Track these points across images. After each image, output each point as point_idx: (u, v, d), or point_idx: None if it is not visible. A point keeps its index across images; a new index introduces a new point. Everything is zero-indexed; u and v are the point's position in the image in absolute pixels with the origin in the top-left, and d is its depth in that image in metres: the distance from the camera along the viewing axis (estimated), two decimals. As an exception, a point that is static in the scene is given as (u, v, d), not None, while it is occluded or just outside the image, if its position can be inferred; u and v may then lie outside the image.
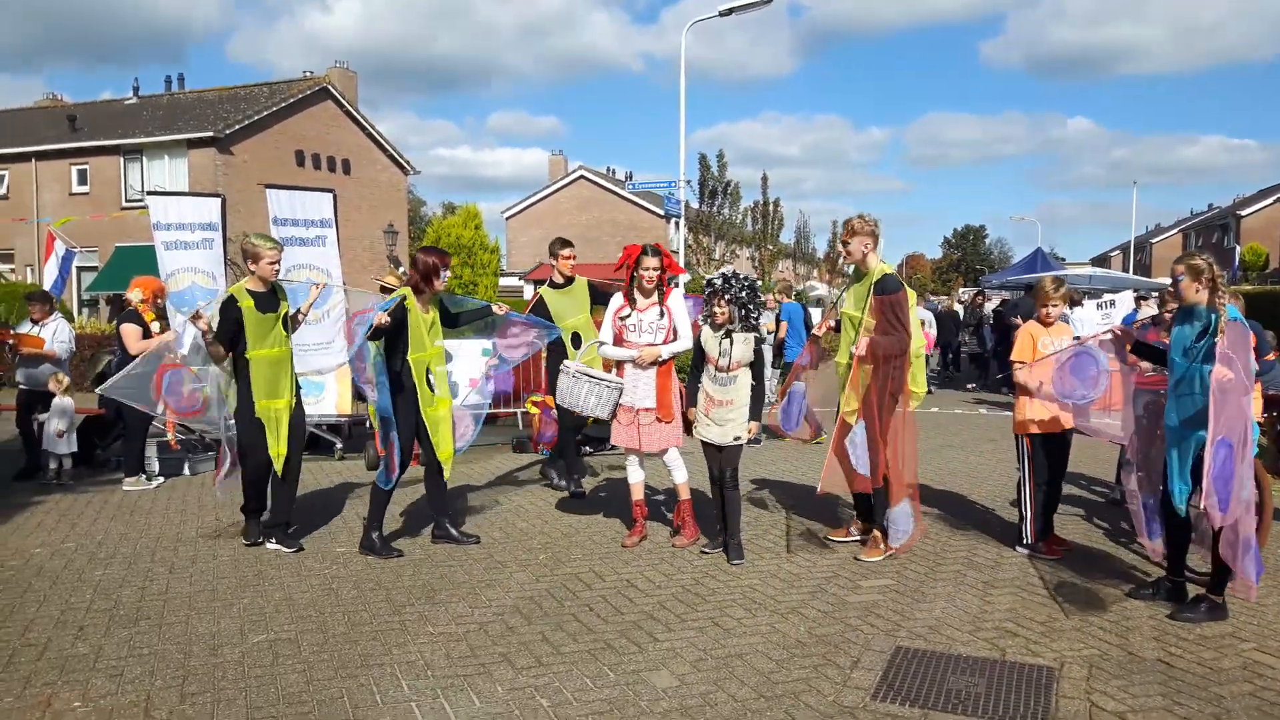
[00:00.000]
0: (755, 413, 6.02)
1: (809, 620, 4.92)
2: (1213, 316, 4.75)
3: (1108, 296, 17.40)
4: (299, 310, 6.61)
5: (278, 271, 6.35)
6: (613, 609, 5.09)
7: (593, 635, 4.70)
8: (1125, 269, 53.80)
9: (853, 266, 6.27)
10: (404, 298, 6.06)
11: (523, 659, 4.38)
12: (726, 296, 5.96)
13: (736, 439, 5.97)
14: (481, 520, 7.11)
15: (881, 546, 6.08)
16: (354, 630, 4.74)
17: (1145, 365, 5.64)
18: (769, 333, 11.47)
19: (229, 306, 6.11)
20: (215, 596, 5.28)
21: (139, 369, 6.42)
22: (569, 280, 7.88)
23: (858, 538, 6.48)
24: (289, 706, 3.86)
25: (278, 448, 6.19)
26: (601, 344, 6.43)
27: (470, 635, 4.68)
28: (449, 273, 6.27)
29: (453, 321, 6.53)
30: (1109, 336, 5.67)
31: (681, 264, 6.66)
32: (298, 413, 6.39)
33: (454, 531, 6.43)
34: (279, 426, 6.20)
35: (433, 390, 6.16)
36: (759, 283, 6.28)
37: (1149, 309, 12.20)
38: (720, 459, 6.06)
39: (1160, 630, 4.77)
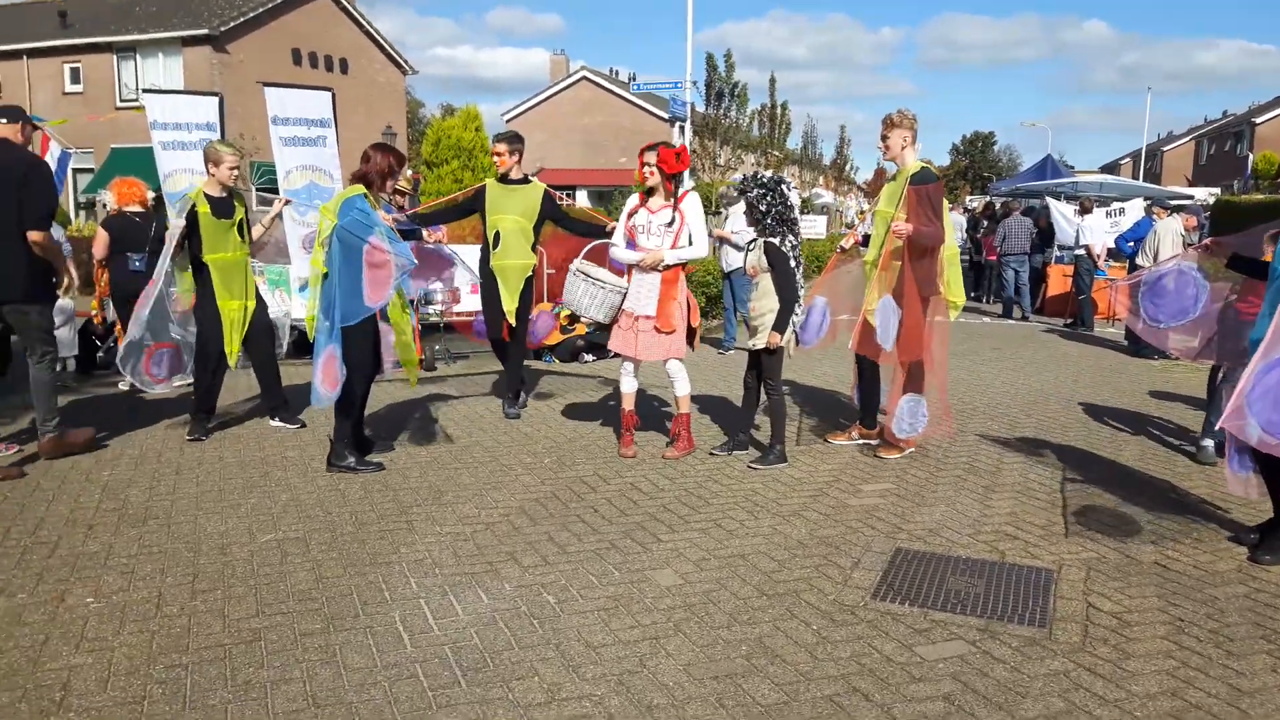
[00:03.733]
0: (779, 323, 5.82)
1: (810, 522, 4.97)
2: None
3: (1117, 205, 17.19)
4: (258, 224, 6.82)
5: (236, 178, 6.65)
6: (618, 511, 5.15)
7: (598, 536, 4.75)
8: (1135, 177, 53.05)
9: (891, 164, 6.14)
10: (364, 194, 5.63)
11: (529, 558, 4.44)
12: (742, 196, 5.86)
13: (754, 345, 5.94)
14: (486, 425, 7.14)
15: (900, 444, 6.17)
16: (361, 530, 4.80)
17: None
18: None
19: (188, 208, 6.41)
20: (222, 497, 5.33)
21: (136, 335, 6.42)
22: (523, 180, 7.28)
23: (859, 441, 6.55)
24: (299, 603, 3.93)
25: (231, 345, 6.59)
26: (614, 244, 6.30)
27: (477, 535, 4.74)
28: (403, 178, 5.97)
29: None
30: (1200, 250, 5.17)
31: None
32: (260, 313, 6.78)
33: (351, 459, 5.87)
34: (233, 327, 6.59)
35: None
36: (787, 183, 5.95)
37: (1174, 223, 11.59)
38: (759, 365, 6.03)
39: (1158, 534, 4.82)
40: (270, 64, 29.70)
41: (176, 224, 6.38)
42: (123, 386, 8.36)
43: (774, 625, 3.76)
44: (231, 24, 29.40)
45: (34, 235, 5.57)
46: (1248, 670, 3.43)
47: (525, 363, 8.06)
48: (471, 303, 10.81)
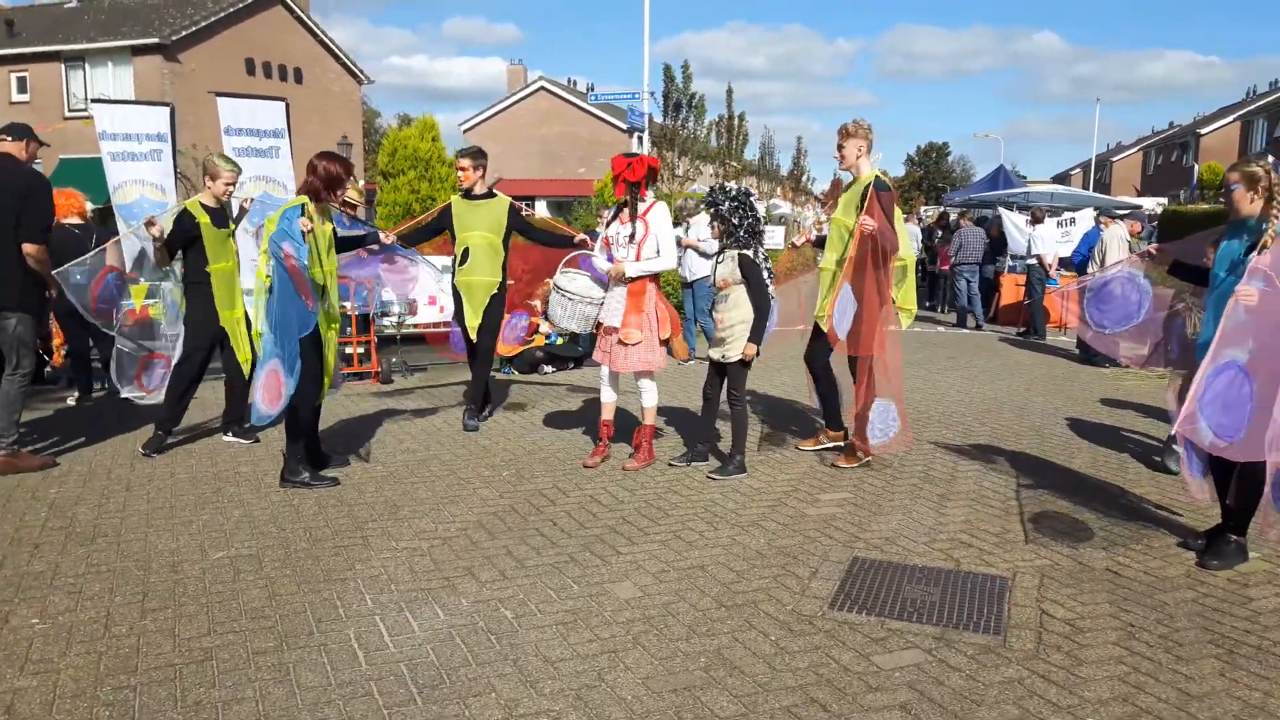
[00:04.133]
0: (755, 334, 5.82)
1: (769, 532, 4.99)
2: (1263, 227, 4.32)
3: (1068, 214, 17.50)
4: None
5: (231, 193, 6.67)
6: (576, 524, 5.13)
7: (556, 549, 4.73)
8: (1086, 186, 54.08)
9: (846, 174, 6.24)
10: (304, 204, 5.54)
11: (487, 572, 4.41)
12: (713, 211, 5.88)
13: (725, 358, 5.93)
14: (443, 438, 7.09)
15: (858, 454, 6.21)
16: (316, 546, 4.74)
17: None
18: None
19: (185, 217, 6.37)
20: (174, 514, 5.23)
21: (89, 262, 6.48)
22: (488, 195, 7.28)
23: (828, 445, 6.62)
24: (252, 620, 3.86)
25: (244, 353, 6.57)
26: (595, 255, 6.29)
27: (434, 550, 4.70)
28: (350, 187, 5.90)
29: (338, 246, 6.03)
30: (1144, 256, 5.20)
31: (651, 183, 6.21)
32: (248, 321, 6.74)
33: (305, 474, 5.76)
34: (240, 335, 6.60)
35: (326, 308, 5.69)
36: (754, 195, 5.97)
37: (1119, 229, 12.02)
38: (723, 376, 6.05)
39: (1110, 540, 4.90)
40: (223, 74, 29.32)
41: (154, 230, 6.31)
42: (70, 401, 8.20)
43: (732, 636, 3.77)
44: (183, 33, 29.01)
45: (29, 248, 5.81)
46: (1196, 674, 3.49)
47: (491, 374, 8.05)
48: (429, 314, 10.78)
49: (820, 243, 6.47)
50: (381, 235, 6.52)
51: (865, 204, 5.83)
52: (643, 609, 4.02)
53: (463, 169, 7.20)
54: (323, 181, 5.58)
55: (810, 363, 6.48)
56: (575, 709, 3.21)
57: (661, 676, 3.44)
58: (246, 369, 6.60)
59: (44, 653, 3.57)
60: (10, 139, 6.05)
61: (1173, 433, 4.28)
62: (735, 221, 5.83)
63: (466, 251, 7.13)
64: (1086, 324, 5.31)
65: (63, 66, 30.18)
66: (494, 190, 7.43)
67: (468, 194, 7.23)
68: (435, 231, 7.50)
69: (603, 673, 3.46)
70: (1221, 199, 4.70)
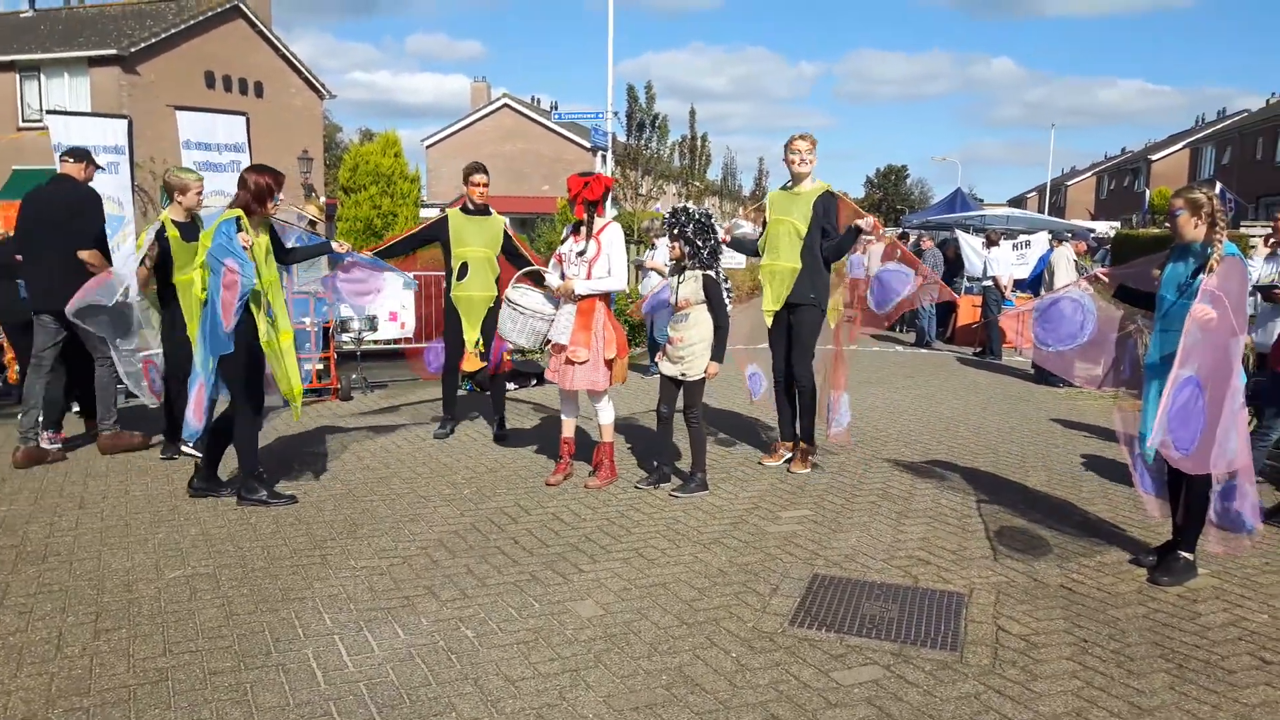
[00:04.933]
0: (717, 353, 5.92)
1: (730, 550, 5.02)
2: (1208, 251, 4.45)
3: (1023, 237, 17.82)
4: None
5: (202, 203, 6.60)
6: (538, 542, 5.12)
7: (518, 567, 4.72)
8: (1041, 210, 55.06)
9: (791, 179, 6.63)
10: (238, 218, 5.45)
11: (447, 591, 4.39)
12: (674, 232, 5.92)
13: (684, 375, 5.96)
14: (403, 456, 7.05)
15: (811, 459, 6.67)
16: (273, 565, 4.68)
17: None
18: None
19: (159, 235, 6.33)
20: (128, 532, 5.15)
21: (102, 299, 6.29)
22: (484, 210, 7.43)
23: (788, 457, 6.83)
24: (208, 640, 3.81)
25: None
26: (547, 272, 6.30)
27: (394, 569, 4.67)
28: (282, 195, 5.88)
29: (283, 256, 5.96)
30: (1092, 279, 5.33)
31: (607, 202, 6.29)
32: None
33: (262, 492, 5.74)
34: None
35: (272, 321, 5.59)
36: (714, 217, 6.08)
37: (1065, 249, 12.37)
38: (679, 394, 6.08)
39: (1064, 557, 4.99)
40: (182, 86, 29.00)
41: (145, 240, 6.29)
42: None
43: (694, 654, 3.78)
44: (142, 44, 28.65)
45: (85, 254, 6.48)
46: (1147, 689, 3.56)
47: (459, 391, 8.15)
48: (390, 330, 10.72)
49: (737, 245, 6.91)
50: (334, 244, 6.32)
51: (829, 212, 6.41)
52: (604, 627, 4.03)
53: (485, 185, 7.42)
54: (253, 195, 5.52)
55: (795, 375, 6.67)
56: (536, 727, 3.21)
57: (623, 695, 3.44)
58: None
59: (-7, 674, 3.50)
60: (72, 160, 6.77)
61: (1149, 444, 4.38)
62: (700, 243, 5.90)
63: (465, 266, 7.24)
64: (1037, 346, 5.42)
65: (17, 76, 29.65)
66: (489, 208, 7.54)
67: (465, 209, 7.40)
68: (424, 242, 7.53)
69: (564, 691, 3.46)
70: (1164, 224, 4.89)
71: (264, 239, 5.64)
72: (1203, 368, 4.29)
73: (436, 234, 7.36)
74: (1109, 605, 4.36)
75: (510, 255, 7.47)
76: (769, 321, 6.62)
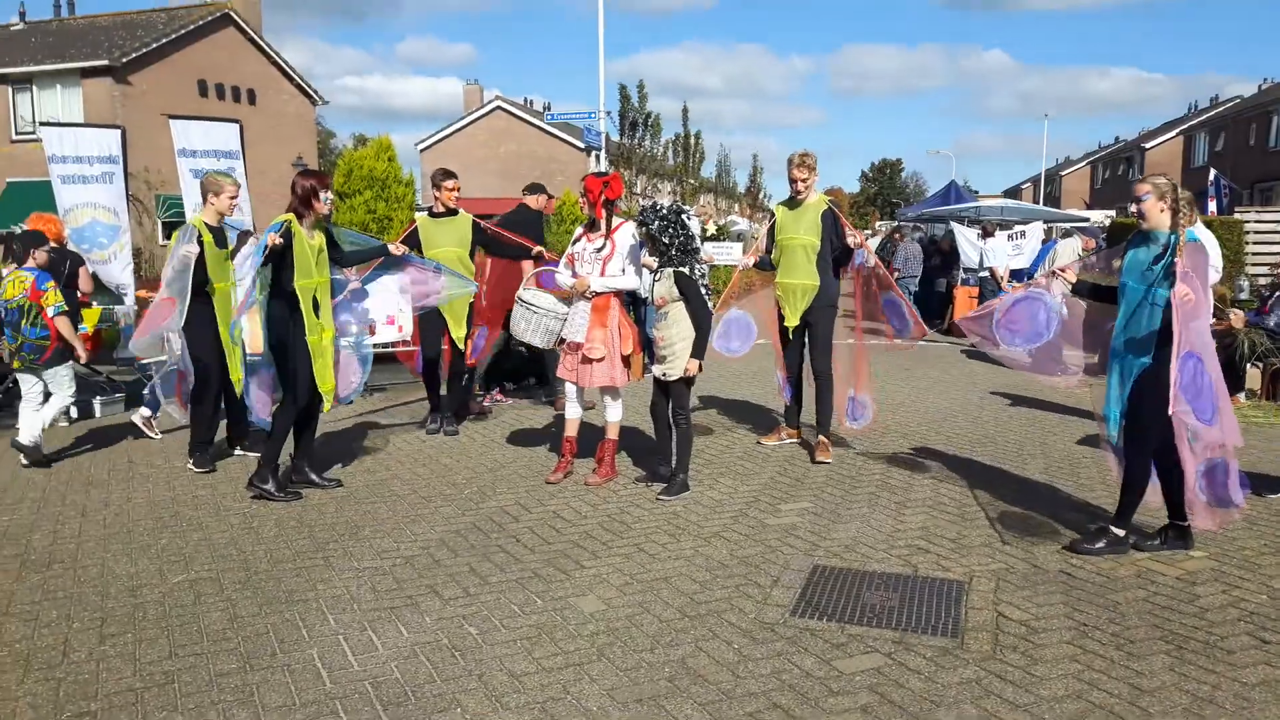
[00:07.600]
0: (697, 350, 5.87)
1: (731, 543, 5.04)
2: (1173, 238, 4.55)
3: (1018, 228, 17.82)
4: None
5: (235, 207, 6.64)
6: (540, 539, 5.14)
7: (520, 565, 4.75)
8: (1036, 201, 55.08)
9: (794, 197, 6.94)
10: (289, 221, 5.73)
11: (450, 590, 4.41)
12: (643, 231, 5.92)
13: (666, 375, 5.95)
14: (404, 457, 7.07)
15: (831, 450, 6.83)
16: (277, 568, 4.71)
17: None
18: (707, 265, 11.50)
19: (193, 233, 6.34)
20: (131, 539, 5.17)
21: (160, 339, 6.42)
22: (451, 212, 7.70)
23: (787, 441, 7.16)
24: (213, 644, 3.84)
25: (237, 373, 6.43)
26: (559, 271, 6.35)
27: (396, 569, 4.69)
28: (330, 194, 5.98)
29: (339, 258, 6.23)
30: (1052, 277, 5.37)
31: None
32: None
33: (314, 476, 6.19)
34: (235, 355, 6.45)
35: (318, 318, 5.88)
36: (688, 214, 6.06)
37: (1074, 242, 12.36)
38: (666, 393, 6.09)
39: (1062, 543, 5.01)
40: (175, 95, 28.98)
41: (190, 249, 6.23)
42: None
43: (696, 646, 3.81)
44: (133, 55, 28.62)
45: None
46: (1147, 670, 3.59)
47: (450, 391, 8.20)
48: (388, 334, 10.72)
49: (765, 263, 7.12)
50: (390, 248, 6.63)
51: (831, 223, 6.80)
52: (607, 621, 4.05)
53: (456, 189, 7.67)
54: (299, 198, 5.80)
55: (786, 361, 7.13)
56: (541, 721, 3.23)
57: (626, 688, 3.47)
58: (238, 389, 6.47)
59: (1, 681, 3.52)
60: None
61: (1170, 412, 4.44)
62: (666, 241, 5.82)
63: (439, 268, 7.29)
64: (993, 341, 5.42)
65: (9, 89, 29.64)
66: (457, 208, 7.76)
67: (432, 212, 7.67)
68: None
69: (568, 685, 3.49)
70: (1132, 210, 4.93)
71: (318, 240, 5.91)
72: (1195, 345, 4.38)
73: (409, 242, 7.44)
74: (1108, 589, 4.39)
75: (490, 247, 7.76)
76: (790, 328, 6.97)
